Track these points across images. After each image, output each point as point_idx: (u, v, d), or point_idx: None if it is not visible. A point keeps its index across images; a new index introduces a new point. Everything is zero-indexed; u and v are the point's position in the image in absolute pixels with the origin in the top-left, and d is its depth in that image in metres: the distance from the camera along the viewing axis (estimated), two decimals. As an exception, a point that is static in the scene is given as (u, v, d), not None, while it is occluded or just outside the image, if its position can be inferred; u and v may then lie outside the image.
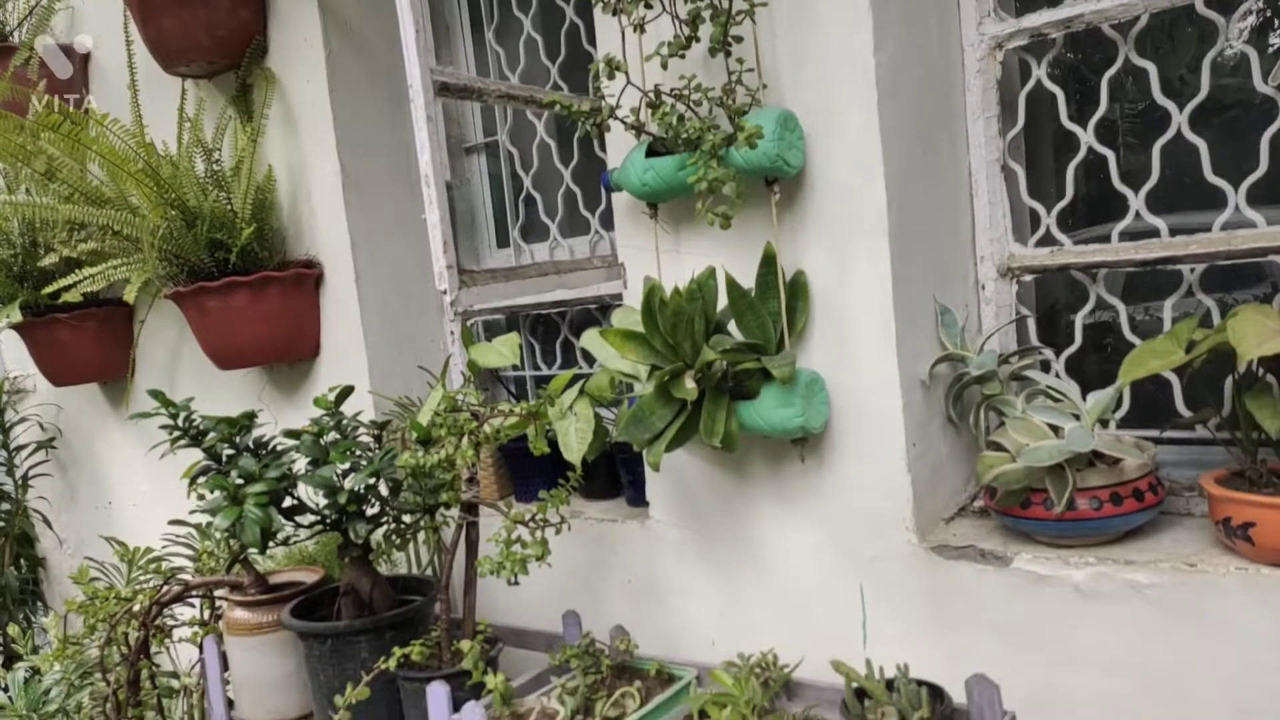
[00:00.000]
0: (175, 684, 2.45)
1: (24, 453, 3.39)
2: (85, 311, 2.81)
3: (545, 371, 2.52)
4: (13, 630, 2.86)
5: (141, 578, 2.36)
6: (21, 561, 3.46)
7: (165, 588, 1.92)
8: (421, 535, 2.15)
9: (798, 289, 1.59)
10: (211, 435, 1.59)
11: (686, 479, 1.82)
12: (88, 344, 2.86)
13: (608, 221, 2.26)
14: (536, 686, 1.68)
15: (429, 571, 2.18)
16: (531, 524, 1.67)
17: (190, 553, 2.39)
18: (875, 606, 1.63)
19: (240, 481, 1.54)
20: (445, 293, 1.42)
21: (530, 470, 2.18)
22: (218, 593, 2.10)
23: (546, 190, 2.44)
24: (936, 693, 1.36)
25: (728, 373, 1.59)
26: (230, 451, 1.65)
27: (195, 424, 1.59)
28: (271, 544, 1.76)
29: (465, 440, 1.61)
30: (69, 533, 3.49)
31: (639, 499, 2.00)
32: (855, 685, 1.38)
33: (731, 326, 1.60)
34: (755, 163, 1.47)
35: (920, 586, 1.56)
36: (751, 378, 1.57)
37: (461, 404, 1.74)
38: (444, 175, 1.39)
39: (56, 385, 3.05)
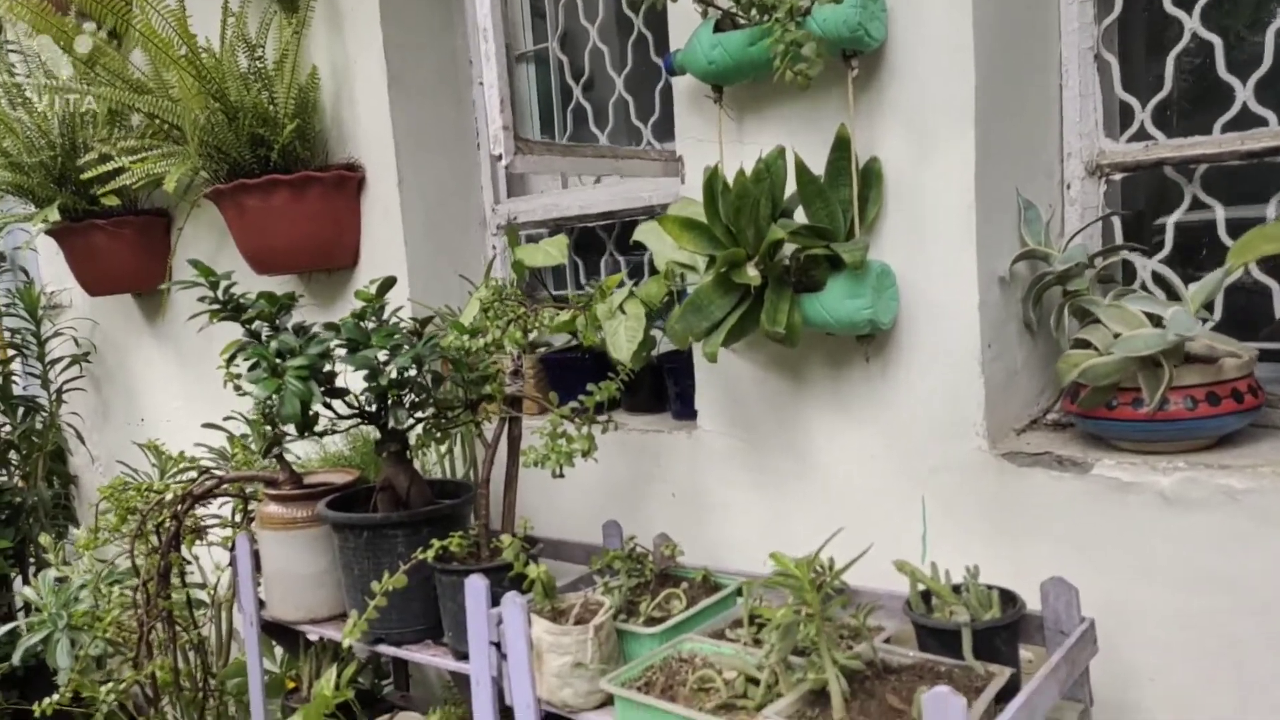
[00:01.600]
0: (203, 594, 2.43)
1: (58, 367, 3.38)
2: (123, 219, 2.77)
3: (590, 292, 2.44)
4: (44, 539, 2.85)
5: (174, 478, 2.33)
6: (54, 478, 3.45)
7: (198, 480, 1.87)
8: (459, 438, 2.09)
9: (871, 176, 1.50)
10: (251, 310, 1.52)
11: (738, 385, 1.74)
12: (124, 252, 2.82)
13: (661, 132, 2.17)
14: (577, 590, 1.62)
15: (467, 477, 2.11)
16: (578, 419, 1.60)
17: (222, 461, 2.35)
18: (937, 519, 1.54)
19: (280, 358, 1.48)
20: (500, 157, 1.34)
21: (572, 381, 2.09)
22: (250, 488, 2.06)
23: (598, 99, 2.35)
24: (1008, 597, 1.28)
25: (792, 264, 1.51)
26: (270, 332, 1.59)
27: (235, 297, 1.53)
28: (309, 435, 1.71)
29: (512, 325, 1.54)
30: (101, 450, 3.48)
31: (686, 411, 1.92)
32: (921, 587, 1.30)
33: (798, 215, 1.51)
34: (834, 32, 1.38)
35: (988, 497, 1.48)
36: (818, 267, 1.48)
37: (508, 293, 1.66)
38: (503, 31, 1.31)
39: (93, 295, 3.02)
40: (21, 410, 3.35)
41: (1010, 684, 1.15)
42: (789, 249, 1.49)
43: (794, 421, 1.67)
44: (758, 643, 1.39)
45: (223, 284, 1.51)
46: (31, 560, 3.16)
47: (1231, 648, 1.29)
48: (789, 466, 1.69)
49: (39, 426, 3.38)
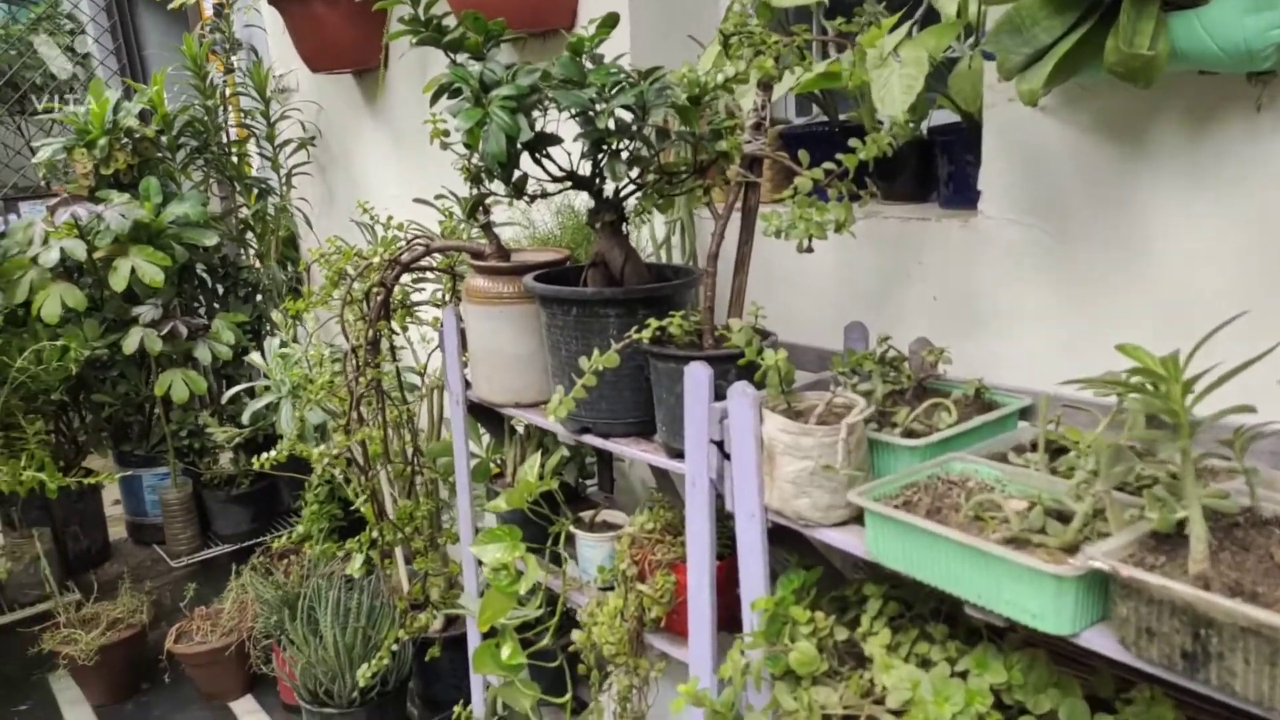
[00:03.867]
0: (415, 379, 2.39)
1: (287, 150, 3.41)
2: (340, -14, 2.63)
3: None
4: (276, 316, 2.94)
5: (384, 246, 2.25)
6: (287, 262, 3.57)
7: (407, 245, 1.74)
8: (679, 227, 1.84)
9: None
10: (455, 32, 1.29)
11: (1044, 155, 1.34)
12: (342, 24, 2.70)
13: None
14: (816, 392, 1.36)
15: (689, 263, 1.87)
16: (832, 186, 1.28)
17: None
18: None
19: (485, 90, 1.25)
20: None
21: (817, 160, 1.77)
22: (459, 266, 1.92)
23: None
24: None
25: (1160, -31, 1.07)
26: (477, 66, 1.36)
27: (437, 18, 1.30)
28: (516, 197, 1.50)
29: (761, 55, 1.22)
30: (327, 235, 3.54)
31: (959, 198, 1.55)
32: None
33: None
34: None
35: None
36: (1205, -32, 1.04)
37: (756, 24, 1.33)
38: None
39: (314, 70, 2.96)
40: (256, 191, 3.43)
41: None
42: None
43: (1125, 202, 1.27)
44: (1054, 474, 1.08)
45: (424, 1, 1.28)
46: (266, 334, 3.31)
47: None
48: (1106, 264, 1.31)
49: (271, 210, 3.47)
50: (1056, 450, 1.14)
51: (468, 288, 1.73)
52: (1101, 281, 1.32)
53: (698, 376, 1.29)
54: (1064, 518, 0.97)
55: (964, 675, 1.05)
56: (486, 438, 2.12)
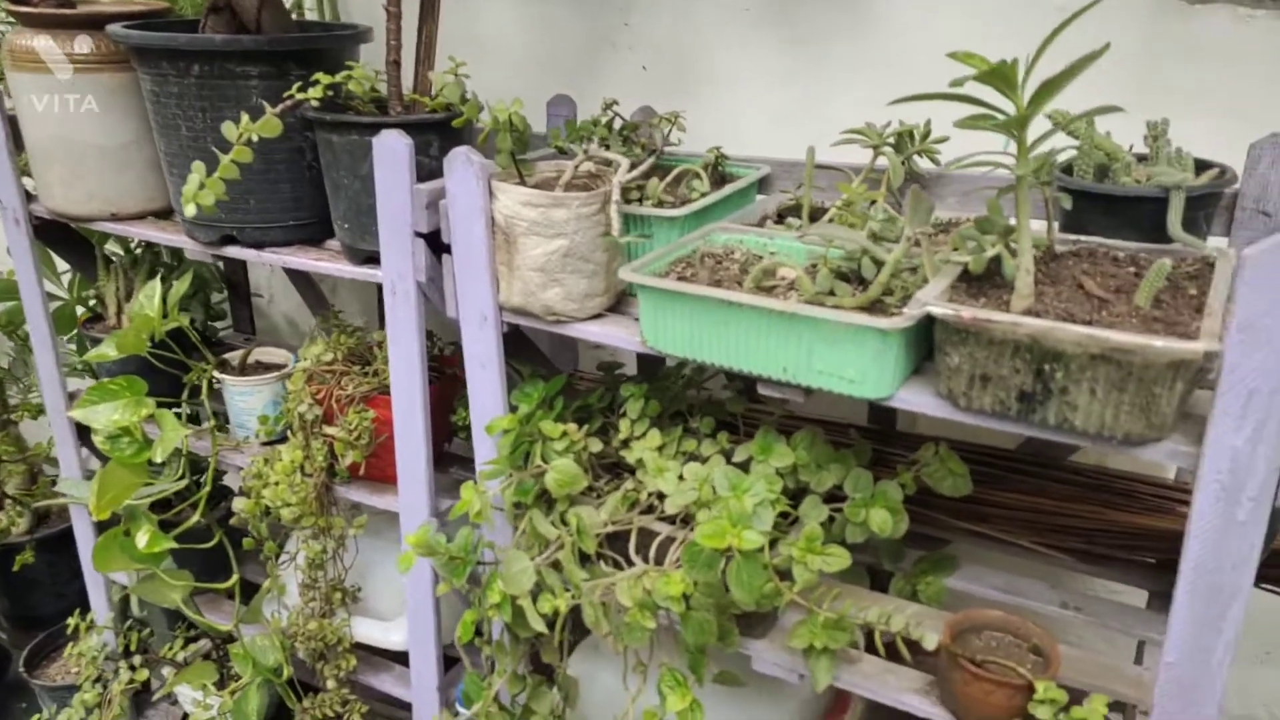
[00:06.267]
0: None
1: None
2: None
3: None
4: None
5: None
6: None
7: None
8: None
9: None
10: None
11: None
12: None
13: None
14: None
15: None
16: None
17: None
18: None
19: None
20: None
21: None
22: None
23: None
24: (1204, 166, 0.91)
25: None
26: None
27: None
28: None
29: None
30: None
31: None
32: (1091, 143, 0.90)
33: None
34: None
35: (1145, 45, 1.07)
36: None
37: None
38: None
39: None
40: None
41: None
42: None
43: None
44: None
45: None
46: None
47: None
48: (832, 22, 1.21)
49: None
50: (816, 217, 1.05)
51: (13, 51, 1.19)
52: (828, 41, 1.22)
53: (393, 149, 0.98)
54: (850, 279, 0.87)
55: (744, 465, 0.94)
56: (70, 273, 1.60)
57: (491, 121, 0.93)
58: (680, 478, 0.93)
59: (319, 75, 1.01)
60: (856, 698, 1.12)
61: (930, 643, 0.82)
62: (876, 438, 1.14)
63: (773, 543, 0.88)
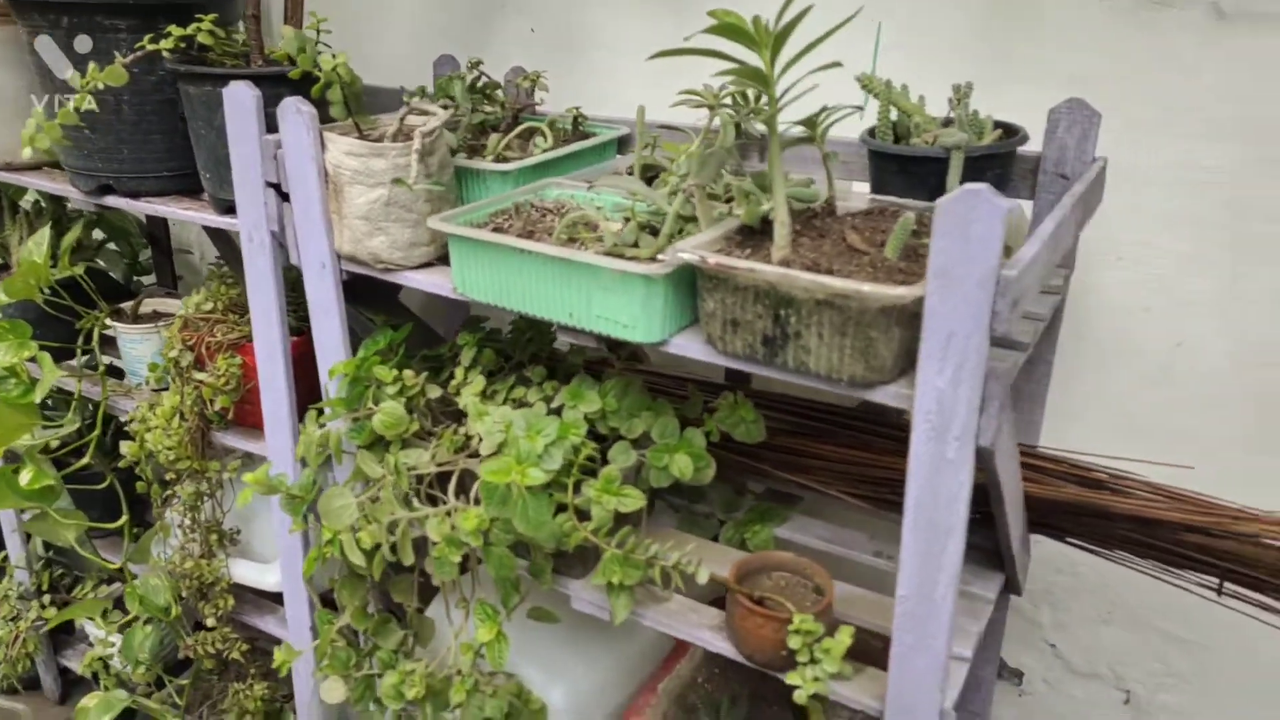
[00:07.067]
0: None
1: None
2: None
3: None
4: None
5: None
6: None
7: None
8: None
9: None
10: None
11: None
12: None
13: None
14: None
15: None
16: None
17: None
18: (894, 50, 1.16)
19: None
20: None
21: None
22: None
23: None
24: (1008, 131, 0.94)
25: None
26: None
27: None
28: None
29: None
30: None
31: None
32: (889, 102, 0.93)
33: None
34: None
35: (965, 22, 1.10)
36: None
37: None
38: None
39: None
40: None
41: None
42: None
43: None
44: (648, 194, 1.01)
45: None
46: None
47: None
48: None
49: None
50: (653, 176, 1.08)
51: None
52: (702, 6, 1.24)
53: (240, 99, 1.02)
54: (658, 232, 0.90)
55: (560, 411, 0.98)
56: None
57: (325, 74, 0.97)
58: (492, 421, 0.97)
59: (171, 28, 1.04)
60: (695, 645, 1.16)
61: (703, 576, 0.86)
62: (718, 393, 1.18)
63: (577, 485, 0.92)
